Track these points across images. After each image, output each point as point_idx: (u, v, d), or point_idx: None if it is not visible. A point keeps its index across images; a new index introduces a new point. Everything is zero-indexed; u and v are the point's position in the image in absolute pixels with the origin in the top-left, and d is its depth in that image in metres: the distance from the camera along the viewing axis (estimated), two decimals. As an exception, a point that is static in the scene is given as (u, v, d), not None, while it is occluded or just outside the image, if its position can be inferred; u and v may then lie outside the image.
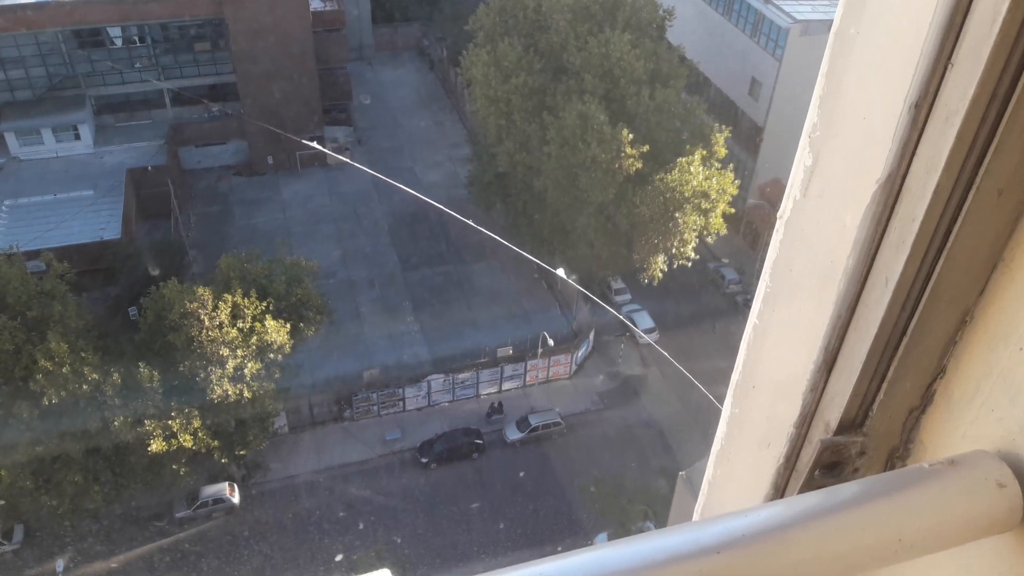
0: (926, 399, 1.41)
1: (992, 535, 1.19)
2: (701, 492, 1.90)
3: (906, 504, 1.15)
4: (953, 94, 1.14)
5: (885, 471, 1.46)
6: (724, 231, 43.05)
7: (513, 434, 40.84)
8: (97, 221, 46.23)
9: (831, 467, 1.44)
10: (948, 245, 1.24)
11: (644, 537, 1.09)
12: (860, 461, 1.44)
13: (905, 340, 1.34)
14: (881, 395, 1.40)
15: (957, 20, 1.10)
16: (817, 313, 1.42)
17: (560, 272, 21.04)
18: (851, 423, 1.43)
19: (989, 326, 1.31)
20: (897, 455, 1.46)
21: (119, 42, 53.56)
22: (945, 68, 1.14)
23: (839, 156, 1.34)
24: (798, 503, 1.19)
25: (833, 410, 1.43)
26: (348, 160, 57.84)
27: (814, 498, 1.19)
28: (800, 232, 1.45)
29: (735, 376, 1.71)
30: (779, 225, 1.50)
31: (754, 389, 1.65)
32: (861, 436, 1.43)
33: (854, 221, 1.31)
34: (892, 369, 1.37)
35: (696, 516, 1.94)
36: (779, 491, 1.56)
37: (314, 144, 36.28)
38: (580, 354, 44.54)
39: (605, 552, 1.08)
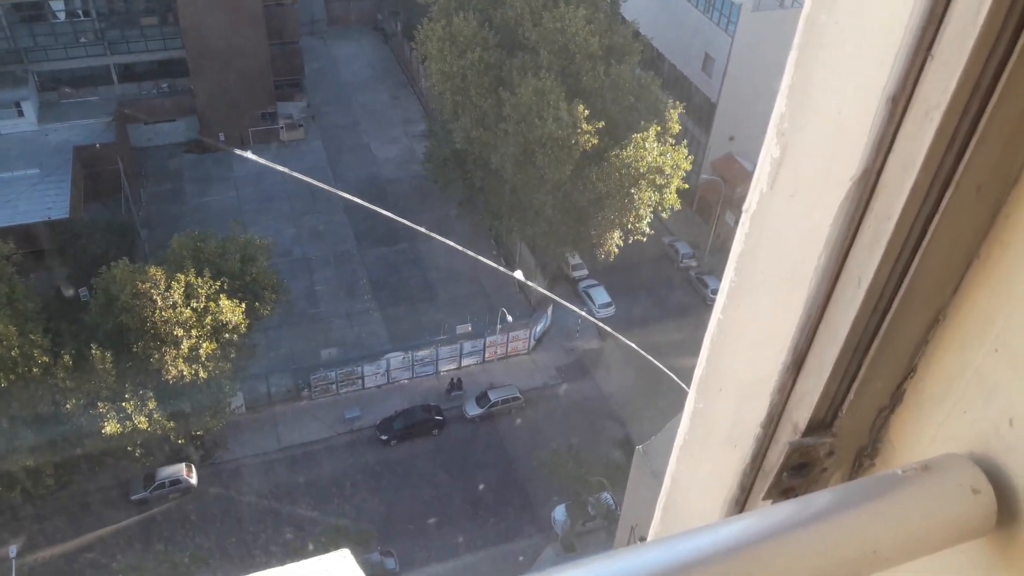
0: (896, 399, 1.38)
1: (966, 541, 1.18)
2: (663, 488, 1.85)
3: (880, 514, 1.13)
4: (933, 88, 1.09)
5: (853, 471, 1.45)
6: (678, 206, 43.48)
7: (473, 410, 41.06)
8: (44, 201, 45.07)
9: (799, 468, 1.41)
10: (924, 244, 1.20)
11: (606, 557, 1.04)
12: (828, 461, 1.41)
13: (877, 340, 1.31)
14: (851, 396, 1.36)
15: (938, 10, 1.06)
16: (785, 312, 1.38)
17: (518, 274, 21.02)
18: (820, 424, 1.39)
19: (963, 325, 1.27)
20: (866, 454, 1.44)
21: (62, 16, 52.01)
22: (925, 60, 1.09)
23: (810, 150, 1.29)
24: (769, 515, 1.15)
25: (801, 411, 1.40)
26: (302, 136, 57.14)
27: (786, 509, 1.16)
28: (767, 227, 1.41)
29: (699, 371, 1.64)
30: (744, 218, 1.44)
31: (719, 387, 1.60)
32: (830, 437, 1.40)
33: (825, 219, 1.26)
34: (863, 370, 1.34)
35: (658, 513, 1.89)
36: (745, 491, 1.54)
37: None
38: (538, 329, 44.83)
39: (571, 573, 1.02)
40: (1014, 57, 1.06)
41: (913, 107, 1.13)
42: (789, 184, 1.34)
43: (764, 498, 1.45)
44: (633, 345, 17.60)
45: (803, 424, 1.40)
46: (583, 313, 26.69)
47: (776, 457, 1.43)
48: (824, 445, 1.40)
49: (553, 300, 44.70)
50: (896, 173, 1.17)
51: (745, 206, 1.44)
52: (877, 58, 1.14)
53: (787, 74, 1.29)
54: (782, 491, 1.43)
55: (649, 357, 18.80)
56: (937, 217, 1.18)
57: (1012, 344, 1.22)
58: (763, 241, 1.43)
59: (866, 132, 1.18)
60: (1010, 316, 1.21)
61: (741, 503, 1.56)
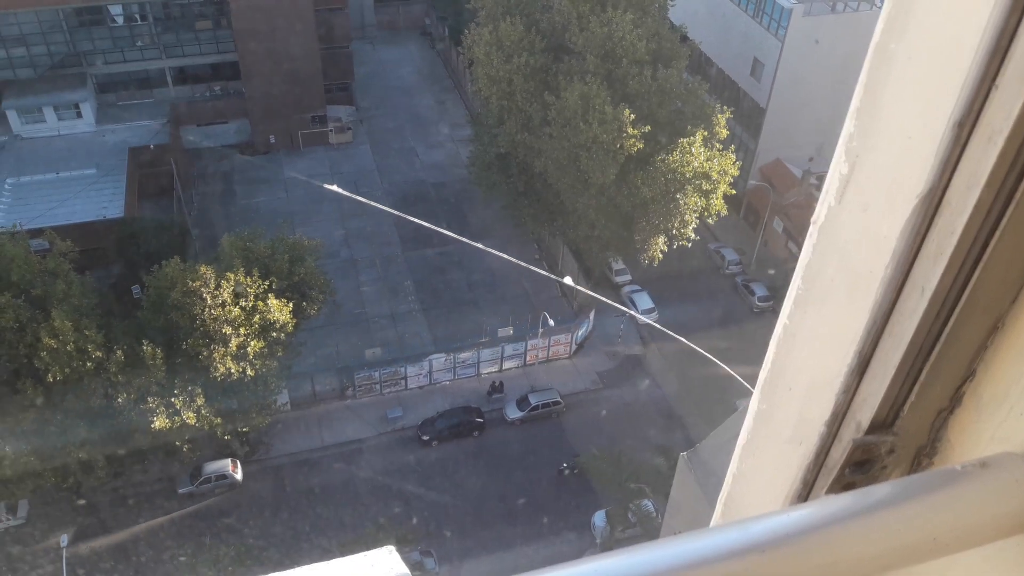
0: (955, 401, 1.45)
1: (1021, 534, 1.23)
2: (725, 484, 1.93)
3: (941, 504, 1.20)
4: (997, 114, 1.17)
5: (912, 469, 1.51)
6: (725, 212, 43.10)
7: (513, 413, 41.14)
8: (100, 200, 46.32)
9: (860, 465, 1.49)
10: (985, 257, 1.28)
11: (689, 536, 1.13)
12: (889, 459, 1.49)
13: (938, 346, 1.38)
14: (912, 397, 1.43)
15: (1003, 44, 1.14)
16: (851, 318, 1.44)
17: (567, 280, 21.02)
18: (882, 423, 1.47)
19: (1021, 333, 1.34)
20: (924, 453, 1.50)
21: (120, 20, 53.44)
22: (990, 89, 1.17)
23: (877, 168, 1.36)
24: (836, 502, 1.23)
25: (865, 411, 1.47)
26: (351, 140, 57.87)
27: (852, 498, 1.23)
28: (835, 239, 1.48)
29: (763, 373, 1.73)
30: (812, 230, 1.52)
31: (785, 388, 1.68)
32: (891, 436, 1.47)
33: (892, 232, 1.33)
34: (924, 373, 1.41)
35: (719, 508, 1.98)
36: (808, 487, 1.60)
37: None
38: (580, 334, 44.74)
39: (656, 551, 1.10)
40: None
41: (978, 132, 1.20)
42: (857, 199, 1.41)
43: (826, 493, 1.53)
44: (698, 348, 17.43)
45: (866, 423, 1.47)
46: (640, 316, 26.49)
47: (839, 454, 1.51)
48: (886, 443, 1.47)
49: (598, 304, 44.62)
50: (960, 191, 1.25)
51: (813, 218, 1.52)
52: (945, 86, 1.21)
53: (856, 97, 1.36)
54: (843, 486, 1.50)
55: (715, 359, 18.55)
56: (998, 233, 1.26)
57: None
58: (830, 251, 1.50)
59: (933, 153, 1.25)
60: None
61: (803, 497, 1.63)
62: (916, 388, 1.43)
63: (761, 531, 1.14)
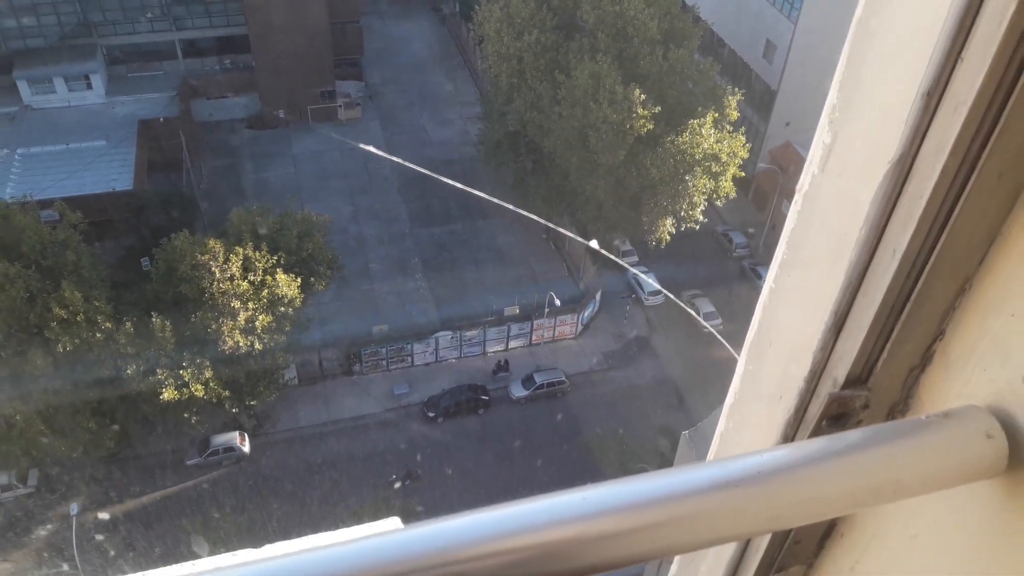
0: (925, 359, 1.52)
1: (980, 480, 1.32)
2: (713, 443, 2.03)
3: (905, 450, 1.27)
4: (962, 85, 1.26)
5: (886, 423, 1.59)
6: (734, 195, 43.00)
7: (518, 391, 41.36)
8: (109, 171, 46.38)
9: (837, 418, 1.57)
10: (951, 220, 1.35)
11: (671, 471, 1.19)
12: (863, 413, 1.56)
13: (909, 305, 1.45)
14: (885, 355, 1.51)
15: (967, 20, 1.23)
16: (829, 280, 1.53)
17: (593, 243, 20.93)
18: (857, 379, 1.54)
19: (986, 294, 1.41)
20: (897, 409, 1.58)
21: (130, -9, 53.27)
22: (956, 61, 1.26)
23: (856, 137, 1.45)
24: (809, 445, 1.30)
25: (841, 367, 1.55)
26: (359, 116, 57.67)
27: (824, 442, 1.29)
28: (817, 205, 1.57)
29: (750, 335, 1.82)
30: (797, 197, 1.61)
31: (768, 347, 1.76)
32: (865, 391, 1.54)
33: (867, 197, 1.42)
34: (896, 331, 1.48)
35: None
36: (788, 439, 1.68)
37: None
38: (586, 314, 44.85)
39: (637, 483, 1.16)
40: None
41: (945, 101, 1.30)
42: (837, 167, 1.51)
43: None
44: (707, 325, 17.58)
45: (842, 379, 1.56)
46: (655, 284, 26.40)
47: (817, 408, 1.60)
48: (860, 398, 1.56)
49: (604, 285, 44.64)
50: (929, 158, 1.34)
51: (799, 186, 1.61)
52: (915, 59, 1.31)
53: (839, 69, 1.45)
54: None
55: (722, 339, 18.67)
56: (963, 197, 1.34)
57: None
58: (813, 218, 1.60)
59: (904, 122, 1.34)
60: None
61: None
62: (888, 346, 1.51)
63: (738, 468, 1.20)
